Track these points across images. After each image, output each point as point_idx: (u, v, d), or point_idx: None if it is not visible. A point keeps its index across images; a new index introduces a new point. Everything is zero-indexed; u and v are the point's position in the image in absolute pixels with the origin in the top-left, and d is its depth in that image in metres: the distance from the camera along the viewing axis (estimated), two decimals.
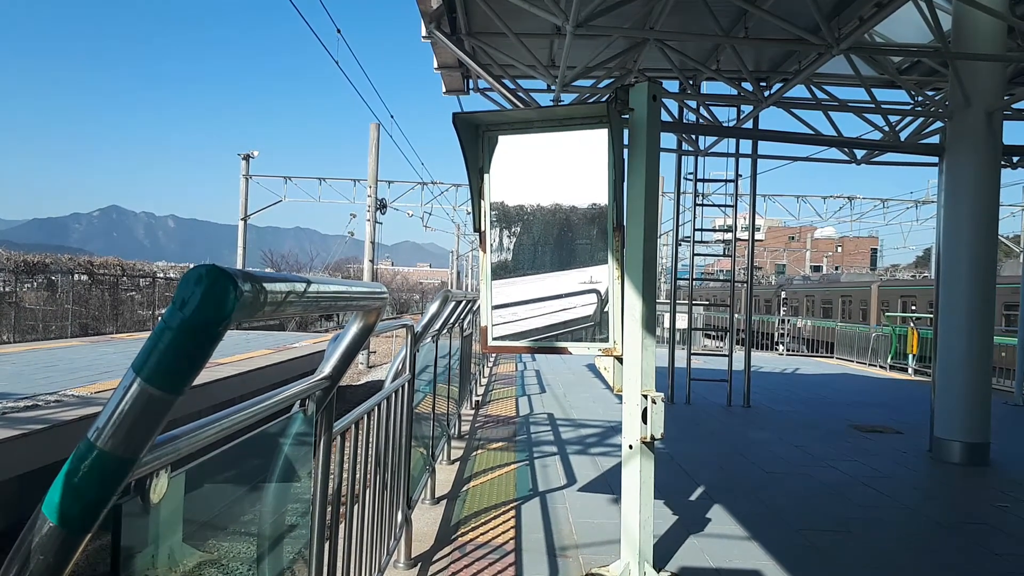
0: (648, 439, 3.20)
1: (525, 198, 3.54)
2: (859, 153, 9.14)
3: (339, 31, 14.87)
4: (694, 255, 9.98)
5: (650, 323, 3.27)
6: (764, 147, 9.57)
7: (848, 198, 31.59)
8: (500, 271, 3.57)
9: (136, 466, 0.81)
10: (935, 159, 6.91)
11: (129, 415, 0.77)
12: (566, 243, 3.49)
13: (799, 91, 8.66)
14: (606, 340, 3.42)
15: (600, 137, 3.33)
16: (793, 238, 69.89)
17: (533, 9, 6.02)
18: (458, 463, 5.70)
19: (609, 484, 5.13)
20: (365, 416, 2.50)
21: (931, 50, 7.28)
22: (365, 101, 17.92)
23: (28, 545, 0.73)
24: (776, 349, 21.70)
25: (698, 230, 10.01)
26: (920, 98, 8.84)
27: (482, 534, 4.02)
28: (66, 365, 10.84)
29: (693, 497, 4.96)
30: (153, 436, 0.81)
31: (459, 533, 4.03)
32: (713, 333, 24.56)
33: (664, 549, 3.83)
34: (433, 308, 3.97)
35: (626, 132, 3.39)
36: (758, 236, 20.74)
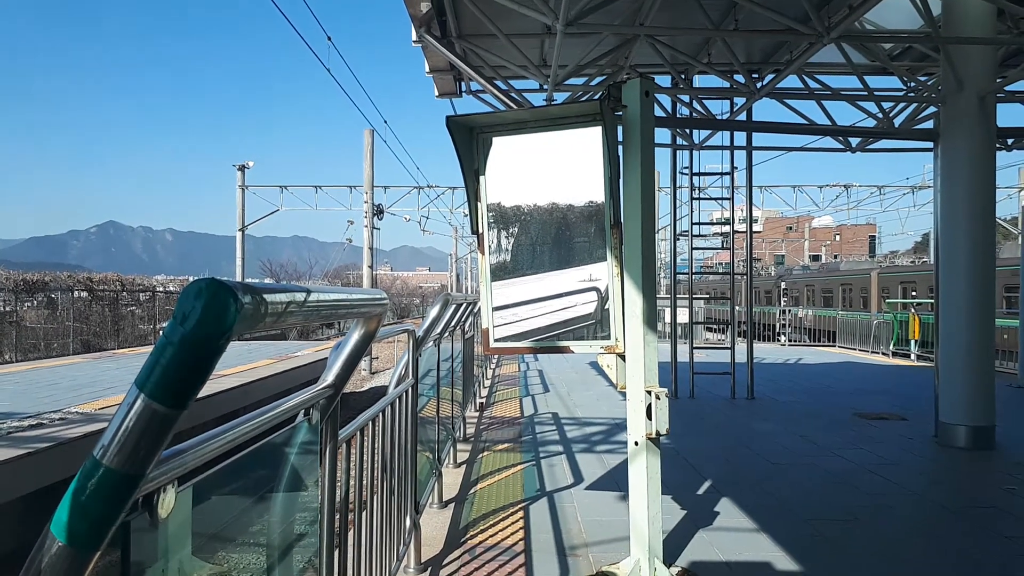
0: (653, 435, 3.20)
1: (522, 198, 3.54)
2: (854, 141, 9.15)
3: (329, 38, 14.88)
4: (693, 249, 9.98)
5: (651, 319, 3.27)
6: (759, 138, 9.61)
7: (844, 186, 31.59)
8: (499, 272, 3.57)
9: (143, 482, 0.81)
10: (930, 144, 6.92)
11: (134, 432, 0.77)
12: (564, 242, 3.50)
13: (791, 81, 8.66)
14: (608, 337, 3.42)
15: (594, 135, 3.34)
16: (791, 228, 69.87)
17: (522, 9, 6.02)
18: (464, 466, 5.70)
19: (616, 481, 5.13)
20: (370, 423, 2.50)
21: (922, 35, 7.27)
22: (358, 107, 17.94)
23: (38, 565, 0.73)
24: (778, 340, 21.69)
25: (696, 224, 10.02)
26: (913, 84, 8.85)
27: (491, 536, 4.02)
28: (69, 382, 10.83)
29: (701, 491, 4.96)
30: (159, 451, 0.81)
31: (468, 536, 4.03)
32: (714, 326, 24.57)
33: (673, 544, 3.83)
34: (434, 312, 3.97)
35: (620, 129, 3.39)
36: (756, 228, 20.69)
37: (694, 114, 9.61)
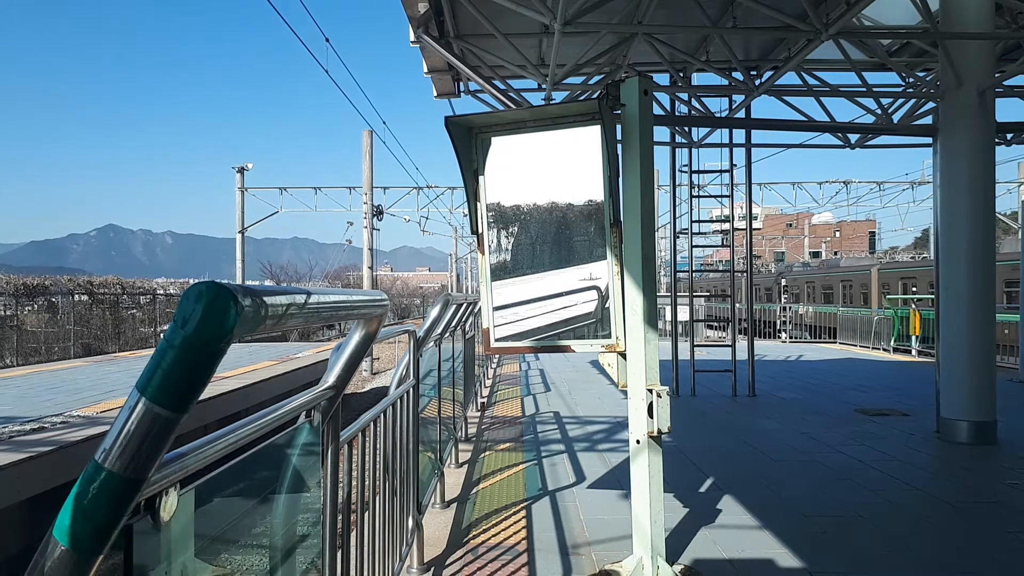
0: (655, 433, 3.20)
1: (521, 198, 3.54)
2: (853, 137, 9.14)
3: (327, 40, 14.88)
4: (693, 247, 9.98)
5: (651, 317, 3.27)
6: (758, 136, 9.58)
7: (844, 182, 31.62)
8: (499, 272, 3.57)
9: (145, 485, 0.81)
10: (929, 140, 6.91)
11: (136, 435, 0.77)
12: (564, 241, 3.50)
13: (790, 78, 8.65)
14: (608, 336, 3.42)
15: (593, 134, 3.34)
16: (791, 225, 69.88)
17: (520, 9, 6.02)
18: (466, 466, 5.70)
19: (618, 480, 5.13)
20: (371, 424, 2.50)
21: (920, 31, 7.28)
22: (356, 108, 17.92)
23: (41, 569, 0.73)
24: (779, 337, 21.70)
25: (695, 222, 10.02)
26: (911, 80, 8.84)
27: (493, 536, 4.02)
28: (70, 386, 10.84)
29: (703, 489, 4.96)
30: (161, 455, 0.81)
31: (471, 536, 4.03)
32: (715, 324, 24.56)
33: (676, 542, 3.83)
34: (434, 312, 3.97)
35: (619, 127, 3.39)
36: (756, 225, 20.71)
37: (693, 112, 9.60)
